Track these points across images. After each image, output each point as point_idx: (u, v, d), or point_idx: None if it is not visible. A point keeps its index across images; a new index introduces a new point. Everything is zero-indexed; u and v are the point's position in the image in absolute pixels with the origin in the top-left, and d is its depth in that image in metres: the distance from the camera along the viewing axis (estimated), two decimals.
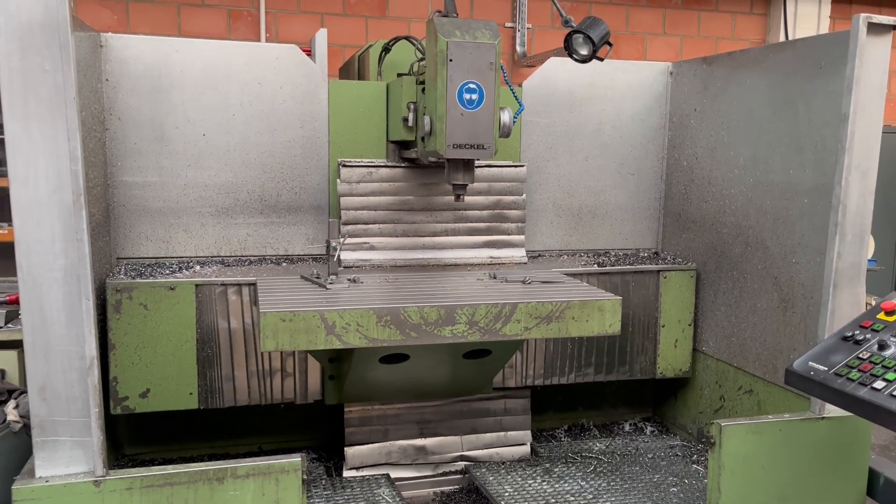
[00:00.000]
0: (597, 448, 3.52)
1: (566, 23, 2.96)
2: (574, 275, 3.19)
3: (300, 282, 2.84)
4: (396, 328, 2.46)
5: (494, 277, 2.99)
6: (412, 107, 2.93)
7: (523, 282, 2.89)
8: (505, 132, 2.77)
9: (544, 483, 3.13)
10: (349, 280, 2.83)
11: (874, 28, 2.53)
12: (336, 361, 3.10)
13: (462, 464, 3.34)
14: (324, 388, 3.17)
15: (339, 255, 2.82)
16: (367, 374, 2.95)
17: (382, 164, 3.21)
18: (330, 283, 2.75)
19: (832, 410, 2.66)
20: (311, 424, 3.48)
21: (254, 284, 2.97)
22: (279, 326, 2.36)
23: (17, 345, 3.90)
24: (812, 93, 2.85)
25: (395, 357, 2.86)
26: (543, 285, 2.86)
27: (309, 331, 2.39)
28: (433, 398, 3.30)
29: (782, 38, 3.14)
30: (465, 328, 2.52)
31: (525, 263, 3.37)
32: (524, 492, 3.04)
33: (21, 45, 2.04)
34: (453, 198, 2.92)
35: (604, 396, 3.86)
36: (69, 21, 2.06)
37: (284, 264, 3.22)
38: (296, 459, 2.30)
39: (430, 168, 3.21)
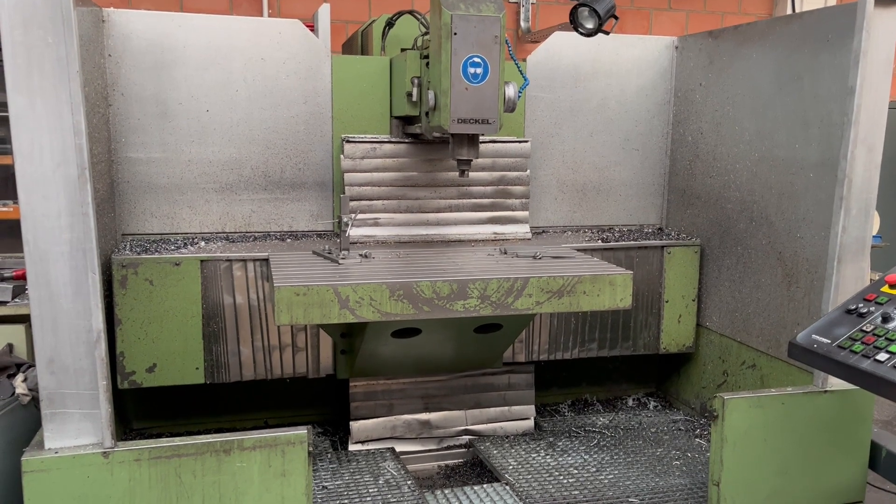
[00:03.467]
0: (600, 423, 3.54)
1: None
2: (578, 251, 3.20)
3: (312, 257, 2.85)
4: (409, 302, 2.47)
5: (505, 252, 2.99)
6: (416, 81, 2.92)
7: (534, 257, 2.90)
8: (510, 107, 2.76)
9: (548, 457, 3.16)
10: (360, 255, 2.84)
11: (882, 0, 2.51)
12: (348, 336, 3.12)
13: (466, 438, 3.36)
14: (336, 362, 3.19)
15: (349, 231, 2.83)
16: (379, 348, 2.97)
17: (386, 140, 3.21)
18: (342, 258, 2.76)
19: (835, 384, 2.68)
20: (317, 399, 3.51)
21: (259, 260, 2.98)
22: (293, 300, 2.37)
23: (24, 319, 3.93)
24: (819, 66, 2.83)
25: (407, 331, 2.88)
26: (554, 260, 2.86)
27: (323, 305, 2.40)
28: (443, 373, 3.32)
29: (789, 12, 3.11)
30: (477, 302, 2.53)
31: (529, 239, 3.38)
32: (527, 465, 3.07)
33: (24, 19, 2.04)
34: (457, 173, 2.92)
35: (607, 372, 3.88)
36: None
37: (289, 240, 3.23)
38: (302, 432, 2.32)
39: (434, 143, 3.20)
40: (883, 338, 1.97)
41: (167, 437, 2.27)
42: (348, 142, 3.17)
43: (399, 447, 3.26)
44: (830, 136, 2.77)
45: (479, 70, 2.64)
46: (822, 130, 2.82)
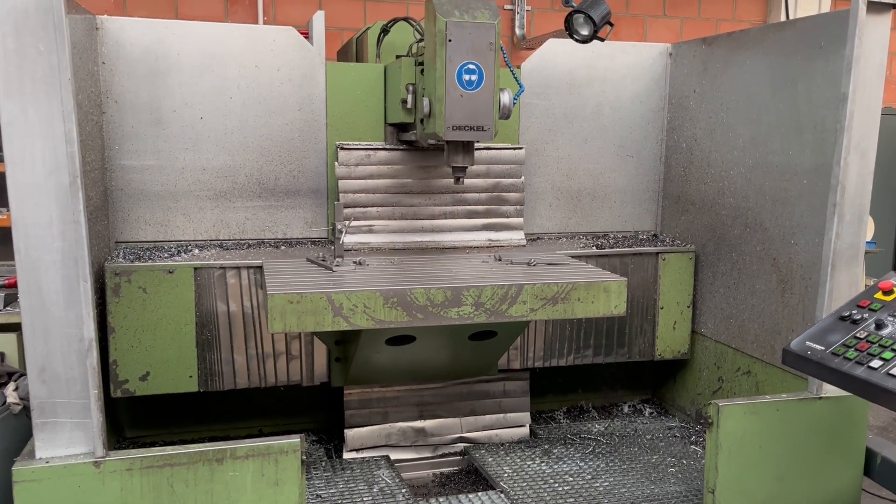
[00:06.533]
0: (595, 429, 3.53)
1: (567, 2, 2.94)
2: (573, 257, 3.19)
3: (306, 264, 2.85)
4: (403, 310, 2.47)
5: (499, 259, 2.99)
6: (411, 88, 2.92)
7: (528, 264, 2.89)
8: (505, 114, 2.76)
9: (543, 464, 3.14)
10: (355, 262, 2.83)
11: (874, 7, 2.52)
12: (342, 344, 3.11)
13: (461, 445, 3.35)
14: (330, 370, 3.18)
15: (343, 238, 2.82)
16: (373, 355, 2.96)
17: (381, 147, 3.20)
18: (336, 266, 2.75)
19: (829, 390, 2.67)
20: (311, 407, 3.50)
21: (252, 267, 2.97)
22: (287, 308, 2.37)
23: (16, 328, 3.90)
24: (812, 73, 2.83)
25: (401, 339, 2.87)
26: (548, 267, 2.86)
27: (316, 312, 2.40)
28: (438, 380, 3.31)
29: (783, 19, 3.12)
30: (472, 309, 2.52)
31: (524, 246, 3.37)
32: (523, 472, 3.06)
33: (16, 26, 2.03)
34: (452, 180, 2.92)
35: (603, 378, 3.87)
36: (63, 2, 2.04)
37: (283, 248, 3.22)
38: (295, 440, 2.31)
39: (428, 151, 3.20)
40: (876, 344, 1.97)
41: (161, 445, 2.26)
42: (343, 149, 3.16)
43: (394, 455, 3.24)
44: (824, 142, 2.77)
45: (473, 77, 2.64)
46: (816, 136, 2.82)
